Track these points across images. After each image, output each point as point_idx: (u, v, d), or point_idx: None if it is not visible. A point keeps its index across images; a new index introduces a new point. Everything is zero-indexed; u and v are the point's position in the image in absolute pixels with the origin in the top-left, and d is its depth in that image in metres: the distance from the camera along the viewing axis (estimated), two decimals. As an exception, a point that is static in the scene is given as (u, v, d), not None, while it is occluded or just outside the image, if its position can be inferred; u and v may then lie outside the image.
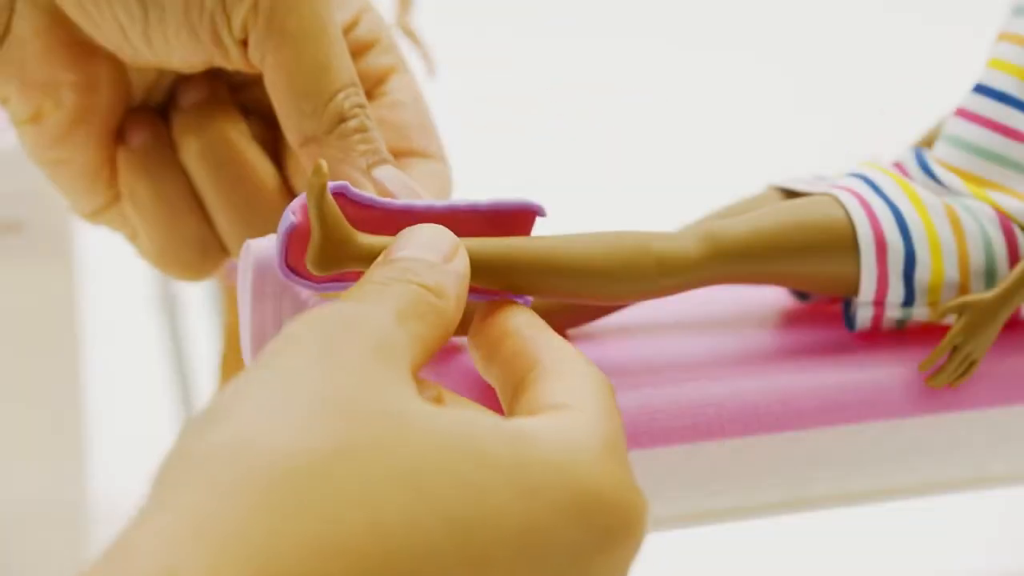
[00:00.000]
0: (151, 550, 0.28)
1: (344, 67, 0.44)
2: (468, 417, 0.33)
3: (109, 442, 1.54)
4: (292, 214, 0.40)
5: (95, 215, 0.50)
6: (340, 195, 0.41)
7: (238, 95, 0.50)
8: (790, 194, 0.51)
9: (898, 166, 0.51)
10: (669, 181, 2.35)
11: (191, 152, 0.48)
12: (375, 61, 0.49)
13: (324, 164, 0.39)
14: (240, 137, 0.49)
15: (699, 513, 0.47)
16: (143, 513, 0.30)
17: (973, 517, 1.43)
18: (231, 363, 1.42)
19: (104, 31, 0.45)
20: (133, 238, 0.51)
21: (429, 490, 0.30)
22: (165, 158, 0.49)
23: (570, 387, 0.36)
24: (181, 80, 0.49)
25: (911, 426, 0.48)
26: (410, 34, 1.31)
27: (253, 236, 0.45)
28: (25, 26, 0.45)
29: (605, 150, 2.56)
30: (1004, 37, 0.50)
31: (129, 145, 0.49)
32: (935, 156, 0.50)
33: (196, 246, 0.49)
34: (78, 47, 0.46)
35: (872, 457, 0.48)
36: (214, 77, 0.49)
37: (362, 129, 0.44)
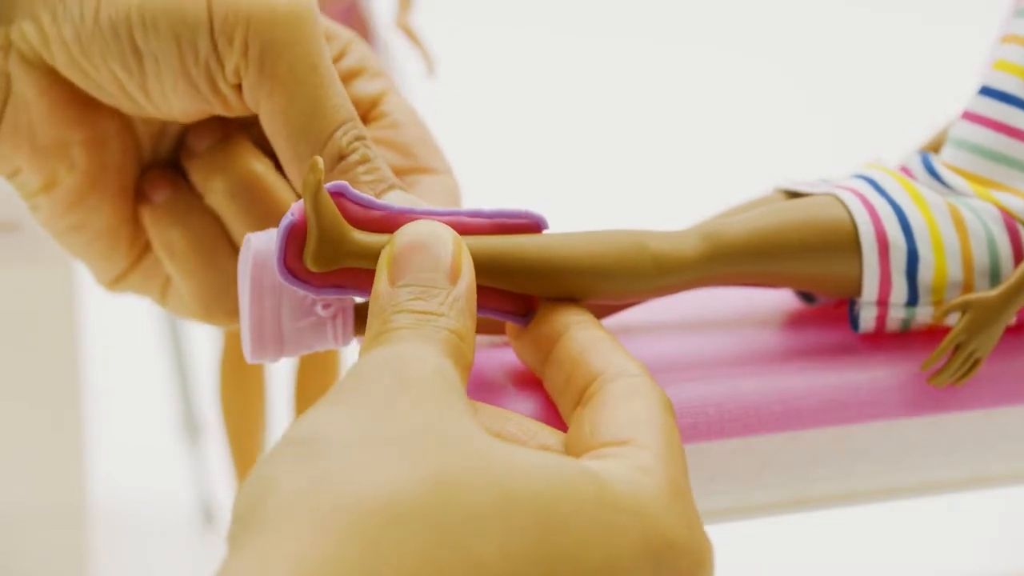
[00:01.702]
0: None
1: (339, 104, 0.44)
2: (546, 457, 0.33)
3: (109, 443, 1.54)
4: (291, 214, 0.40)
5: (117, 281, 0.49)
6: (340, 195, 0.41)
7: (249, 133, 0.50)
8: (794, 196, 0.51)
9: (904, 170, 0.51)
10: (672, 183, 2.35)
11: (220, 192, 0.47)
12: (366, 86, 0.48)
13: (320, 161, 0.39)
14: (267, 170, 0.48)
15: (700, 513, 0.47)
16: (234, 554, 0.30)
17: (973, 517, 1.43)
18: (231, 363, 1.42)
19: (102, 87, 0.44)
20: (162, 299, 0.50)
21: (519, 526, 0.31)
22: (193, 206, 0.48)
23: (634, 416, 0.37)
24: (191, 127, 0.49)
25: (911, 426, 0.48)
26: (410, 34, 1.31)
27: None
28: (25, 88, 0.45)
29: (608, 151, 2.56)
30: (1008, 39, 0.50)
31: (153, 202, 0.48)
32: (941, 160, 0.50)
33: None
34: (82, 104, 0.46)
35: (872, 457, 0.48)
36: (223, 118, 0.49)
37: (364, 160, 0.44)
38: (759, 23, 3.27)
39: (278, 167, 0.49)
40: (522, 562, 0.31)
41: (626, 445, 0.36)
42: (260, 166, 0.48)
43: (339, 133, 0.44)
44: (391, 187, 0.44)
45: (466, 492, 0.31)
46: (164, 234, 0.48)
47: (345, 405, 0.33)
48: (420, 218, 0.41)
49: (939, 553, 1.40)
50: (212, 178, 0.48)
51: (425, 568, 0.29)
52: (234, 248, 0.48)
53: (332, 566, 0.29)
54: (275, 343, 0.43)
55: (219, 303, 0.48)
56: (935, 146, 0.53)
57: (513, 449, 0.33)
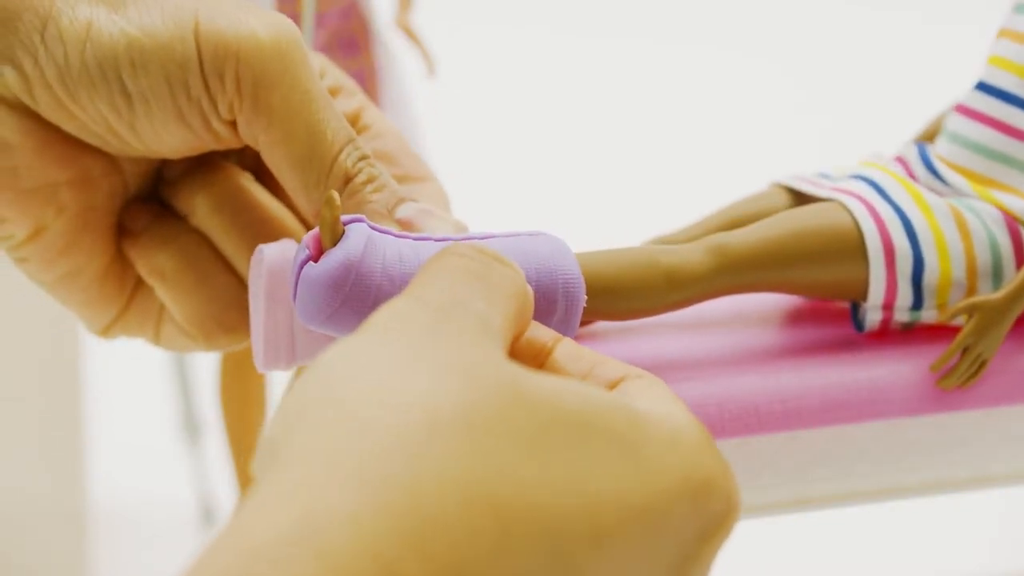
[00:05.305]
0: (287, 497, 0.28)
1: (338, 127, 0.44)
2: (584, 389, 0.32)
3: (109, 443, 1.54)
4: (306, 247, 0.40)
5: (111, 326, 0.48)
6: None
7: (225, 157, 0.49)
8: (793, 192, 0.51)
9: (900, 160, 0.51)
10: (672, 179, 2.35)
11: (205, 209, 0.47)
12: (345, 104, 0.48)
13: (336, 196, 0.39)
14: (249, 182, 0.48)
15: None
16: (269, 467, 0.29)
17: (973, 517, 1.43)
18: (231, 363, 1.42)
19: (89, 127, 0.43)
20: (156, 336, 0.49)
21: (557, 458, 0.30)
22: (178, 227, 0.47)
23: (661, 394, 0.36)
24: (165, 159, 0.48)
25: (912, 426, 0.48)
26: (410, 34, 1.31)
27: None
28: (7, 132, 0.43)
29: (609, 150, 2.56)
30: (1005, 34, 0.50)
31: (134, 232, 0.47)
32: (938, 154, 0.50)
33: (235, 305, 0.48)
34: (66, 144, 0.44)
35: (873, 457, 0.48)
36: None
37: (371, 179, 0.44)
38: (759, 22, 3.27)
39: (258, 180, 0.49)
40: (565, 498, 0.29)
41: (646, 378, 0.35)
42: (243, 179, 0.47)
43: (343, 157, 0.43)
44: (401, 201, 0.44)
45: (499, 422, 0.30)
46: (152, 260, 0.47)
47: (377, 339, 0.32)
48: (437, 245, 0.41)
49: (939, 553, 1.40)
50: (195, 197, 0.47)
51: (471, 484, 0.28)
52: (225, 264, 0.48)
53: (372, 470, 0.28)
54: (288, 354, 0.43)
55: (217, 323, 0.47)
56: (930, 135, 0.53)
57: (549, 383, 0.32)
